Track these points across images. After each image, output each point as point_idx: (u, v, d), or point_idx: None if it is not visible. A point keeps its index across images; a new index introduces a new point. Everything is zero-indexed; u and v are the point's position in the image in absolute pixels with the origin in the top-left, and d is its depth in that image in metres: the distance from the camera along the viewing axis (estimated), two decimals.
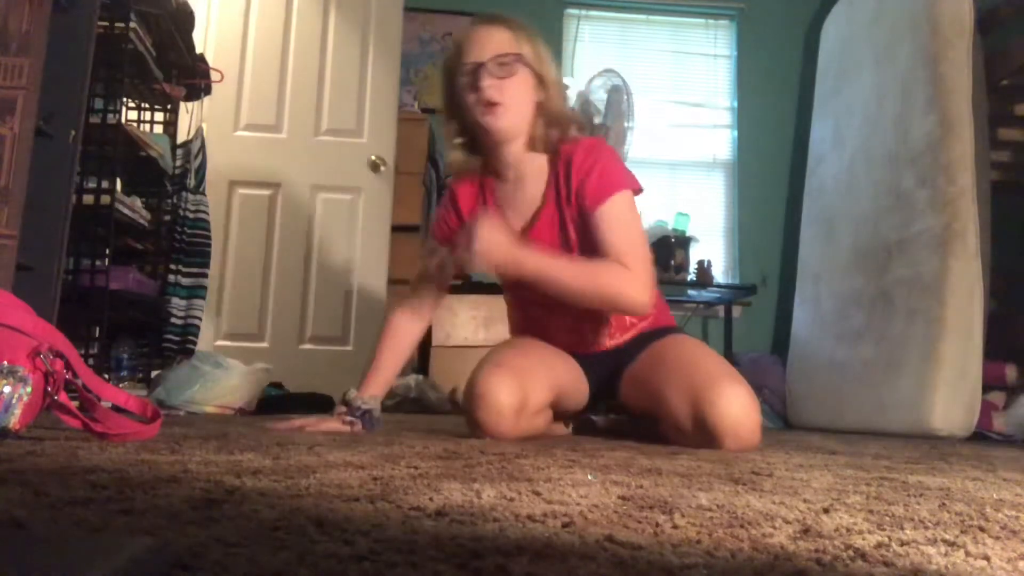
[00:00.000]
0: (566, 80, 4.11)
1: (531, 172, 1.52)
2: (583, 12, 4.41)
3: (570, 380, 1.62)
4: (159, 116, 2.95)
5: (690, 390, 1.38)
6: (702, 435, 1.35)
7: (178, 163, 2.89)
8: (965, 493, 0.85)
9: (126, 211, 2.39)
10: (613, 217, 1.45)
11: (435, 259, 1.59)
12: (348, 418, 1.51)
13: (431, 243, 1.66)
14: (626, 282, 1.41)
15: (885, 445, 1.92)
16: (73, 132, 1.91)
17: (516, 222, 1.52)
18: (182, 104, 3.01)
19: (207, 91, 3.10)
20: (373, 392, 1.56)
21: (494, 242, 1.34)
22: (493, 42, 1.44)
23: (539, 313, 1.63)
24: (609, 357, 1.63)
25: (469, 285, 3.22)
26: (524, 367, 1.50)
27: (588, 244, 1.47)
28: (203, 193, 2.97)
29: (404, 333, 1.62)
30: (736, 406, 1.34)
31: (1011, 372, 2.97)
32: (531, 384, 1.47)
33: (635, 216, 1.49)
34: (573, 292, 1.41)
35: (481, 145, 1.52)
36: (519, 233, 1.49)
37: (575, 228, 1.49)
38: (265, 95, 3.31)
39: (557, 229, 1.51)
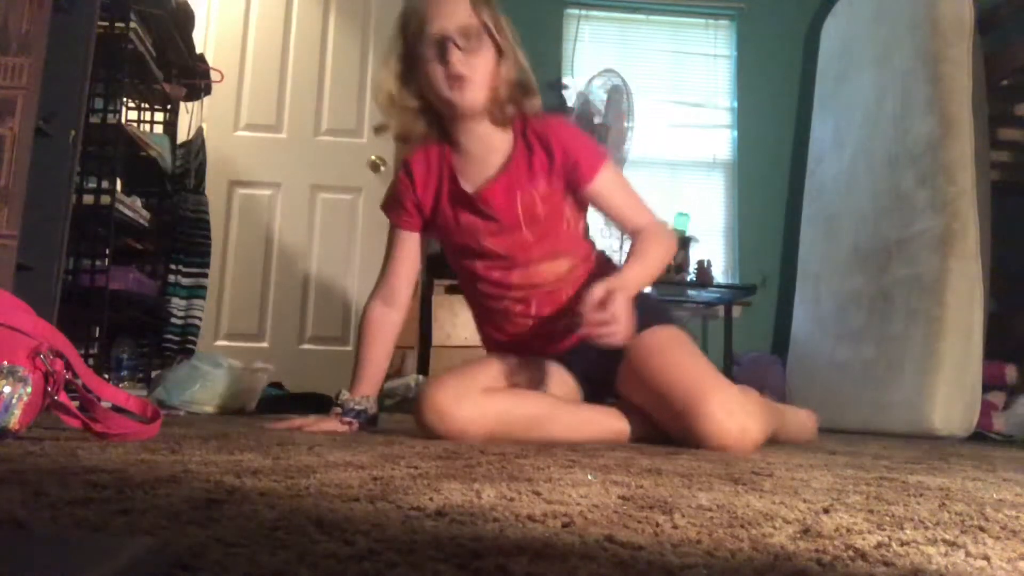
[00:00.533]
0: (566, 80, 4.13)
1: (493, 144, 1.50)
2: (583, 12, 4.41)
3: (536, 376, 1.54)
4: (159, 116, 2.95)
5: (676, 404, 1.36)
6: (700, 443, 1.34)
7: (178, 163, 2.89)
8: (965, 493, 0.85)
9: (126, 211, 2.39)
10: (613, 181, 1.53)
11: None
12: (344, 418, 1.51)
13: (392, 228, 1.61)
14: (667, 233, 1.54)
15: (885, 445, 1.92)
16: (73, 132, 1.91)
17: (468, 188, 1.49)
18: (182, 104, 3.02)
19: (207, 91, 3.10)
20: (364, 391, 1.55)
21: (624, 311, 1.27)
22: (457, 11, 1.41)
23: (500, 308, 1.57)
24: (586, 349, 1.47)
25: None
26: (465, 369, 1.51)
27: (553, 209, 1.49)
28: (203, 193, 2.97)
29: (383, 324, 1.57)
30: (724, 414, 1.32)
31: (1011, 372, 2.97)
32: (470, 379, 1.46)
33: (623, 176, 1.62)
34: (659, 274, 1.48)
35: (441, 115, 1.49)
36: (469, 198, 1.48)
37: (538, 196, 1.48)
38: (265, 95, 3.31)
39: (514, 196, 1.48)
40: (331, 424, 1.51)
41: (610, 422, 1.49)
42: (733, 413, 1.32)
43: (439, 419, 1.38)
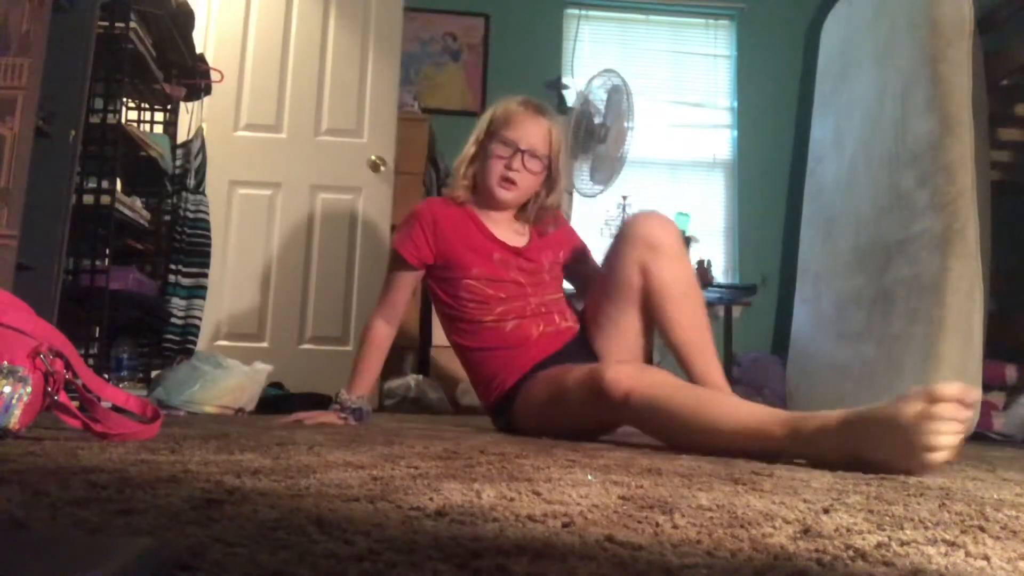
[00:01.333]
0: (566, 80, 4.13)
1: (511, 226, 1.82)
2: (583, 12, 4.41)
3: None
4: (159, 116, 2.94)
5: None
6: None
7: (178, 163, 2.88)
8: (965, 493, 0.85)
9: (126, 211, 2.39)
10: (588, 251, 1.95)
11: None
12: (342, 414, 1.74)
13: (400, 261, 1.81)
14: None
15: None
16: (73, 132, 1.91)
17: (506, 240, 1.78)
18: (182, 104, 3.01)
19: (207, 91, 3.10)
20: (361, 392, 1.79)
21: None
22: (535, 134, 1.73)
23: (514, 308, 1.73)
24: (581, 336, 1.75)
25: None
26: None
27: (566, 258, 1.85)
28: (203, 193, 2.97)
29: (384, 340, 1.83)
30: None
31: (1011, 372, 2.97)
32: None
33: None
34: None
35: (479, 193, 1.80)
36: (515, 252, 1.77)
37: (553, 261, 1.82)
38: (265, 95, 3.31)
39: (545, 248, 1.82)
40: (329, 417, 1.72)
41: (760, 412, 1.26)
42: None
43: (626, 377, 1.35)
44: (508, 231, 1.81)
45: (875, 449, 1.04)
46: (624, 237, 1.62)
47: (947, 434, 0.98)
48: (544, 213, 1.81)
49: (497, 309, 1.71)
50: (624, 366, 1.41)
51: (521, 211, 1.82)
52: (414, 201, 3.40)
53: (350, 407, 1.75)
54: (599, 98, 3.51)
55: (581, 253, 1.91)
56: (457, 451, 1.11)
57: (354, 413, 1.75)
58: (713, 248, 4.21)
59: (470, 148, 1.79)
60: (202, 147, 3.00)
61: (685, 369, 1.57)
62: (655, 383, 1.34)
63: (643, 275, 1.58)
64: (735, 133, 4.43)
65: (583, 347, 1.71)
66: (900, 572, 0.45)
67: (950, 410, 0.99)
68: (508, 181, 1.71)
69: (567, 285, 1.93)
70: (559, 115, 1.87)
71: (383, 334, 1.82)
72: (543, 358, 1.67)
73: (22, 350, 1.03)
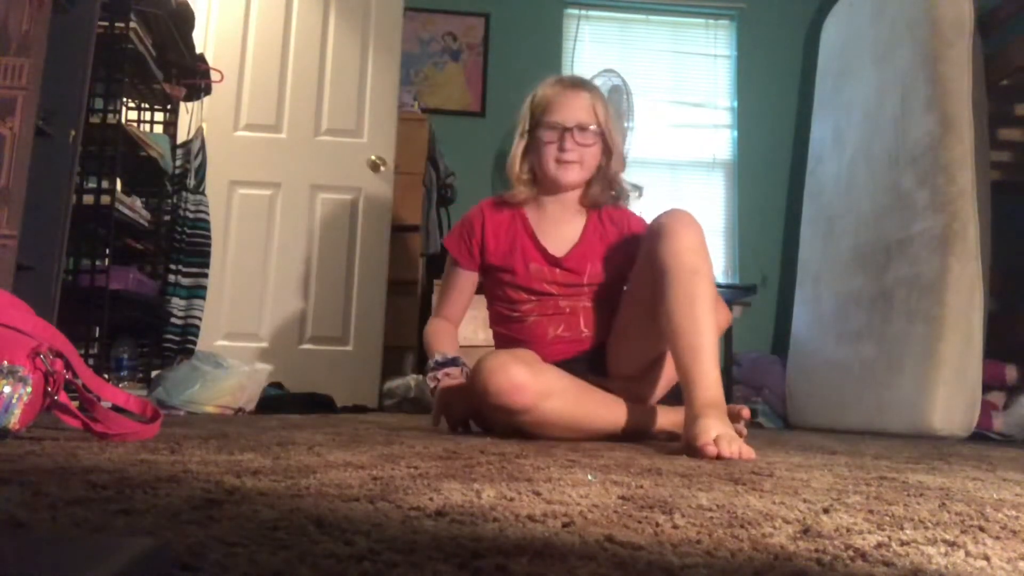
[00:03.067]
0: None
1: (570, 216, 1.76)
2: (583, 12, 4.41)
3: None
4: (159, 116, 2.94)
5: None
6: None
7: (178, 163, 2.88)
8: (965, 493, 0.85)
9: (126, 211, 2.39)
10: None
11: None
12: (448, 370, 1.65)
13: (452, 261, 1.79)
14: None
15: (885, 445, 1.92)
16: (73, 132, 1.91)
17: (551, 248, 1.72)
18: (182, 104, 3.01)
19: (207, 91, 3.10)
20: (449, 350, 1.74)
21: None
22: (578, 109, 1.68)
23: (536, 313, 1.71)
24: (594, 352, 1.71)
25: None
26: (516, 351, 1.58)
27: (609, 275, 1.72)
28: (203, 193, 2.97)
29: (446, 327, 1.80)
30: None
31: (1011, 372, 2.97)
32: (529, 356, 1.53)
33: None
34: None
35: (540, 183, 1.75)
36: (554, 262, 1.71)
37: (601, 266, 1.73)
38: (265, 95, 3.31)
39: (585, 263, 1.73)
40: (451, 379, 1.63)
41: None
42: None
43: (515, 390, 1.39)
44: (561, 232, 1.74)
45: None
46: (645, 237, 1.57)
47: (734, 453, 1.18)
48: (611, 185, 1.75)
49: (523, 307, 1.72)
50: (516, 378, 1.39)
51: (588, 190, 1.75)
52: (414, 201, 3.41)
53: (449, 359, 1.68)
54: None
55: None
56: (457, 451, 1.11)
57: (455, 363, 1.67)
58: (713, 248, 4.18)
59: (518, 144, 1.75)
60: (202, 147, 3.00)
61: (673, 359, 1.42)
62: (555, 393, 1.44)
63: (648, 263, 1.49)
64: (735, 133, 4.43)
65: (592, 363, 1.68)
66: (900, 572, 0.45)
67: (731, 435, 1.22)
68: (566, 162, 1.68)
69: None
70: (597, 87, 1.79)
71: (439, 324, 1.79)
72: (550, 362, 1.65)
73: (22, 350, 1.03)
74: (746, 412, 1.54)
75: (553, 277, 1.70)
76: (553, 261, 1.71)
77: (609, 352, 1.69)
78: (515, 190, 1.76)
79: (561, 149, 1.67)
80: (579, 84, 1.74)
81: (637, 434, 1.57)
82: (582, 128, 1.67)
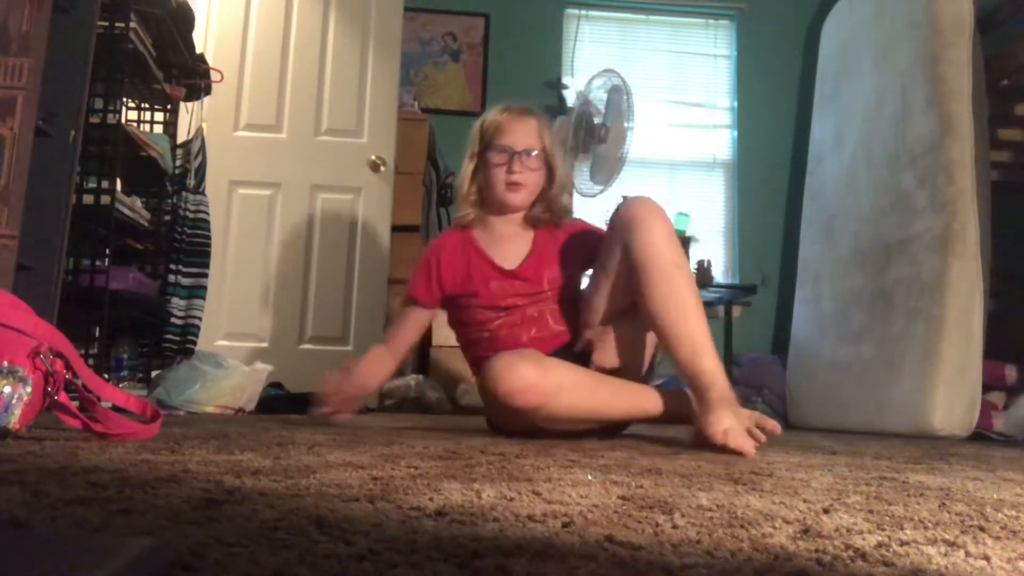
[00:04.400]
0: (566, 80, 4.13)
1: (518, 233, 1.83)
2: (583, 12, 4.41)
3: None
4: (159, 116, 2.94)
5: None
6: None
7: (178, 163, 2.88)
8: (965, 493, 0.85)
9: (126, 211, 2.39)
10: None
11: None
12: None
13: (411, 301, 1.84)
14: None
15: (885, 445, 1.92)
16: (73, 132, 1.91)
17: (505, 263, 1.79)
18: (182, 104, 3.01)
19: (207, 91, 3.09)
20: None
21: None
22: (526, 134, 1.78)
23: (508, 322, 1.75)
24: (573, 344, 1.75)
25: None
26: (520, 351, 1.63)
27: (567, 276, 1.79)
28: (203, 193, 2.97)
29: (381, 360, 1.84)
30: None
31: (1011, 372, 2.97)
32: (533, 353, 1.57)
33: None
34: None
35: (487, 204, 1.82)
36: (512, 276, 1.77)
37: (558, 271, 1.79)
38: (265, 95, 3.31)
39: (542, 272, 1.79)
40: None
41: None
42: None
43: (526, 389, 1.41)
44: (511, 248, 1.81)
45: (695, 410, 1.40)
46: (610, 224, 1.63)
47: (742, 440, 1.28)
48: (552, 206, 1.83)
49: (494, 324, 1.75)
50: (528, 377, 1.42)
51: (531, 212, 1.84)
52: (414, 201, 3.41)
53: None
54: (599, 98, 3.52)
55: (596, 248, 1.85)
56: (457, 451, 1.11)
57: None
58: (713, 248, 4.21)
59: (468, 166, 1.82)
60: (202, 147, 3.00)
61: (670, 356, 1.48)
62: (566, 386, 1.46)
63: (623, 255, 1.55)
64: (735, 133, 4.43)
65: (569, 355, 1.68)
66: (900, 572, 0.45)
67: (763, 426, 1.34)
68: (513, 184, 1.76)
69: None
70: (545, 115, 1.89)
71: (377, 354, 1.84)
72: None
73: (22, 350, 1.03)
74: (775, 427, 1.44)
75: (514, 289, 1.75)
76: (510, 275, 1.77)
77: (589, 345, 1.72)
78: (463, 211, 1.83)
79: (510, 171, 1.75)
80: (527, 111, 1.83)
81: (648, 419, 1.61)
82: (529, 152, 1.76)
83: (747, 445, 1.26)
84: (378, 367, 1.83)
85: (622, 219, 1.56)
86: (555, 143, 1.84)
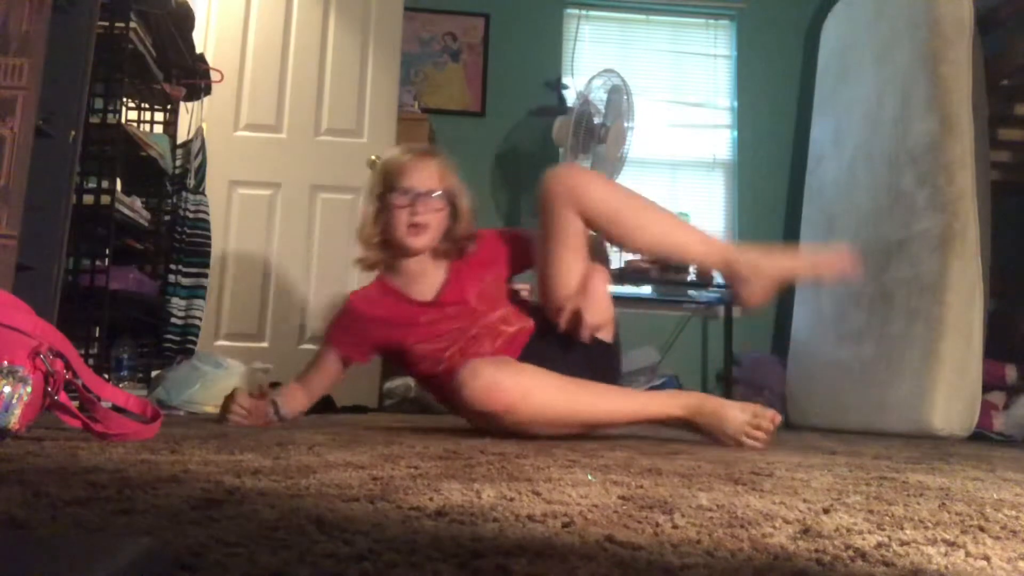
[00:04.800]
0: (566, 80, 4.13)
1: (430, 269, 1.81)
2: (583, 12, 4.41)
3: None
4: (159, 116, 2.94)
5: None
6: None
7: (178, 163, 2.88)
8: (965, 493, 0.85)
9: (126, 211, 2.39)
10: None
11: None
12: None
13: (329, 345, 1.84)
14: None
15: (885, 445, 1.92)
16: (73, 132, 1.91)
17: (427, 297, 1.78)
18: (182, 104, 3.01)
19: (207, 91, 3.10)
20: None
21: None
22: (428, 175, 1.77)
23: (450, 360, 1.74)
24: (541, 327, 1.76)
25: None
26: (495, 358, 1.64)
27: (497, 286, 1.81)
28: (203, 193, 2.97)
29: (295, 397, 1.84)
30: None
31: (1011, 372, 2.97)
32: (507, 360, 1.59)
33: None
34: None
35: (391, 247, 1.80)
36: (438, 305, 1.76)
37: (486, 282, 1.80)
38: (265, 95, 3.31)
39: (470, 280, 1.79)
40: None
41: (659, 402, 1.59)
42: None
43: (493, 392, 1.41)
44: (428, 282, 1.80)
45: (704, 424, 1.51)
46: (544, 199, 1.66)
47: (753, 440, 1.46)
48: (458, 244, 1.81)
49: (446, 354, 1.73)
50: (491, 380, 1.41)
51: (436, 248, 1.81)
52: None
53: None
54: (599, 98, 3.51)
55: (524, 249, 1.84)
56: (457, 451, 1.11)
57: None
58: None
59: (369, 208, 1.80)
60: (202, 147, 3.00)
61: (688, 264, 1.65)
62: (529, 386, 1.44)
63: (582, 220, 1.61)
64: (735, 133, 4.43)
65: (543, 339, 1.71)
66: (900, 572, 0.45)
67: (764, 424, 1.47)
68: (416, 227, 1.74)
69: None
70: (445, 154, 1.90)
71: (291, 390, 1.84)
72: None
73: (22, 350, 1.03)
74: (776, 416, 1.54)
75: (445, 316, 1.75)
76: (435, 305, 1.76)
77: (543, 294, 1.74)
78: (366, 254, 1.81)
79: (413, 213, 1.73)
80: (429, 153, 1.85)
81: (640, 422, 1.56)
82: (432, 193, 1.75)
83: (757, 444, 1.46)
84: (292, 404, 1.82)
85: (557, 192, 1.60)
86: (460, 183, 1.83)
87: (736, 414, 1.48)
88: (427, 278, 1.80)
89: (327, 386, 1.90)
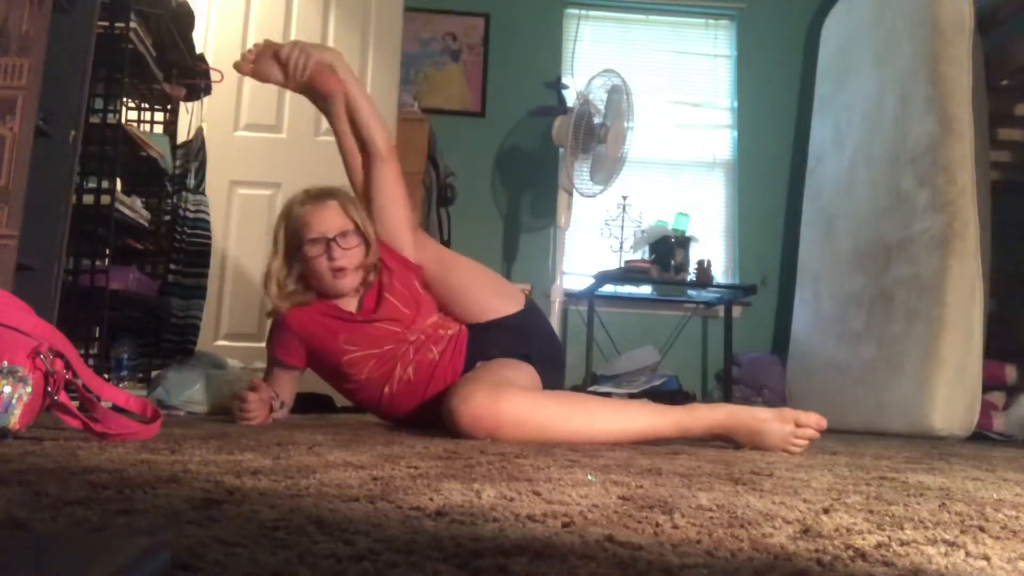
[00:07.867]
0: (566, 80, 4.13)
1: (352, 298, 1.83)
2: (583, 12, 4.41)
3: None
4: (159, 116, 2.94)
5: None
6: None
7: (178, 163, 2.88)
8: (965, 493, 0.85)
9: (126, 211, 2.39)
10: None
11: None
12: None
13: (276, 363, 1.84)
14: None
15: (885, 445, 1.92)
16: (73, 132, 1.91)
17: (357, 314, 1.80)
18: (182, 104, 3.01)
19: (207, 91, 3.09)
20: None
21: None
22: (333, 218, 1.77)
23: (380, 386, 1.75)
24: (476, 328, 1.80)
25: None
26: (480, 374, 1.62)
27: (410, 290, 1.82)
28: (203, 193, 2.97)
29: (283, 388, 1.85)
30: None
31: (1011, 372, 2.97)
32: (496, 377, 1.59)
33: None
34: None
35: (317, 288, 1.81)
36: (364, 313, 1.78)
37: (399, 287, 1.81)
38: (265, 95, 3.30)
39: (398, 294, 1.80)
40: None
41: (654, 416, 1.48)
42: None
43: (488, 417, 1.38)
44: (358, 299, 1.83)
45: (744, 441, 1.45)
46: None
47: (797, 447, 1.42)
48: (376, 266, 1.82)
49: (397, 372, 1.72)
50: (479, 406, 1.38)
51: (365, 284, 1.83)
52: (414, 201, 3.40)
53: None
54: (599, 98, 3.51)
55: (431, 254, 1.89)
56: (457, 451, 1.11)
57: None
58: (713, 248, 4.22)
59: (278, 263, 1.79)
60: (202, 147, 3.00)
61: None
62: (520, 410, 1.40)
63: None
64: (735, 133, 4.43)
65: (484, 333, 1.75)
66: (900, 572, 0.45)
67: (807, 433, 1.43)
68: (339, 270, 1.74)
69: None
70: (341, 189, 1.91)
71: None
72: (463, 372, 1.69)
73: (22, 350, 1.03)
74: (822, 422, 1.47)
75: (384, 319, 1.75)
76: (370, 319, 1.76)
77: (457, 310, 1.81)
78: (288, 300, 1.78)
79: (331, 258, 1.74)
80: (326, 194, 1.82)
81: (659, 438, 1.46)
82: (344, 234, 1.75)
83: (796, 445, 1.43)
84: (284, 394, 1.83)
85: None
86: (362, 212, 1.83)
87: (775, 427, 1.41)
88: (357, 296, 1.83)
89: (291, 395, 1.89)
